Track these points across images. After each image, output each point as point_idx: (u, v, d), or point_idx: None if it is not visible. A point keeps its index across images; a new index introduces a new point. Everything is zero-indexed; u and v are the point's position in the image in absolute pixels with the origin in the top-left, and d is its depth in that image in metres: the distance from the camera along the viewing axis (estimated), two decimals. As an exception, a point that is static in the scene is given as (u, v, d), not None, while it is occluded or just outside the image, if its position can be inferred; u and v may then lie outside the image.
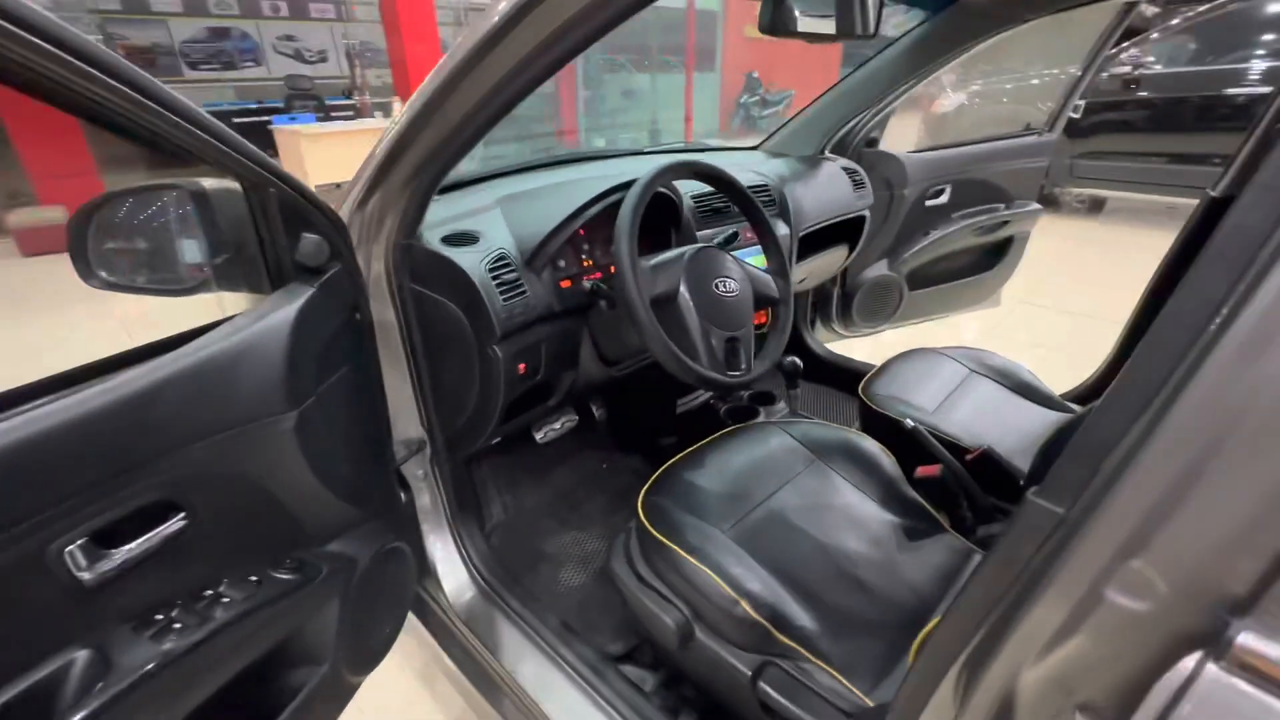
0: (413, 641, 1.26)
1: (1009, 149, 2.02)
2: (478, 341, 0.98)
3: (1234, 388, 0.30)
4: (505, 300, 0.98)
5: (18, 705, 0.54)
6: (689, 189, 1.29)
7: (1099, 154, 4.55)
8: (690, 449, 1.11)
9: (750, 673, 0.82)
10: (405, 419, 1.10)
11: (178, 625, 0.63)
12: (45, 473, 0.54)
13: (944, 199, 1.95)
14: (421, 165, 0.85)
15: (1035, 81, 5.17)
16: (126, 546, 0.61)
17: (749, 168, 1.54)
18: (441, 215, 1.10)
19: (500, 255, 1.00)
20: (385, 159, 0.86)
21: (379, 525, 0.97)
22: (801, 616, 0.84)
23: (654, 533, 0.92)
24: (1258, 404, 0.30)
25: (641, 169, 1.02)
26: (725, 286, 0.99)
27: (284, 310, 0.73)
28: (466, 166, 0.98)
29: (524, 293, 1.01)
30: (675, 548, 0.89)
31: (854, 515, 1.01)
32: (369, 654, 0.94)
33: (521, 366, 1.02)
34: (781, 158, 1.73)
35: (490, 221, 1.08)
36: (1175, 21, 4.36)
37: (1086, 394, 1.57)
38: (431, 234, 1.01)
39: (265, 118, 6.59)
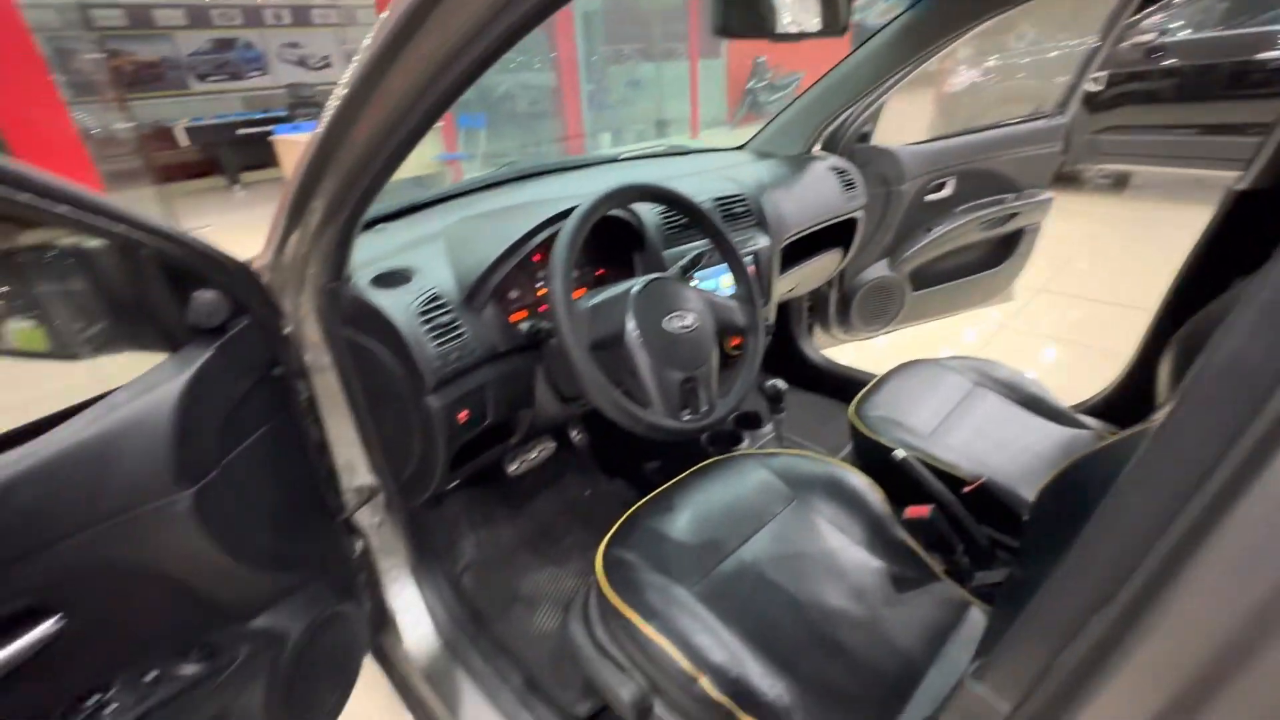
0: (380, 696, 1.20)
1: (1016, 135, 1.88)
2: (412, 391, 0.90)
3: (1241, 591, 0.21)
4: (438, 345, 0.89)
5: None
6: (654, 204, 1.19)
7: (1123, 128, 4.31)
8: (659, 489, 1.03)
9: None
10: (355, 466, 1.03)
11: None
12: None
13: (946, 192, 1.83)
14: (336, 202, 0.77)
15: (1054, 54, 4.93)
16: None
17: (727, 174, 1.43)
18: (380, 249, 1.02)
19: (433, 295, 0.92)
20: (296, 198, 0.79)
21: (319, 589, 0.91)
22: (770, 692, 0.76)
23: (610, 598, 0.84)
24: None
25: (614, 180, 0.92)
26: (681, 321, 0.90)
27: (172, 381, 0.66)
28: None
29: (461, 335, 0.92)
30: (632, 616, 0.81)
31: (836, 563, 0.93)
32: None
33: (463, 415, 0.94)
34: (767, 159, 1.62)
35: (429, 255, 1.00)
36: (1203, -18, 4.10)
37: (1101, 405, 1.45)
38: (363, 274, 0.93)
39: (268, 127, 6.62)
